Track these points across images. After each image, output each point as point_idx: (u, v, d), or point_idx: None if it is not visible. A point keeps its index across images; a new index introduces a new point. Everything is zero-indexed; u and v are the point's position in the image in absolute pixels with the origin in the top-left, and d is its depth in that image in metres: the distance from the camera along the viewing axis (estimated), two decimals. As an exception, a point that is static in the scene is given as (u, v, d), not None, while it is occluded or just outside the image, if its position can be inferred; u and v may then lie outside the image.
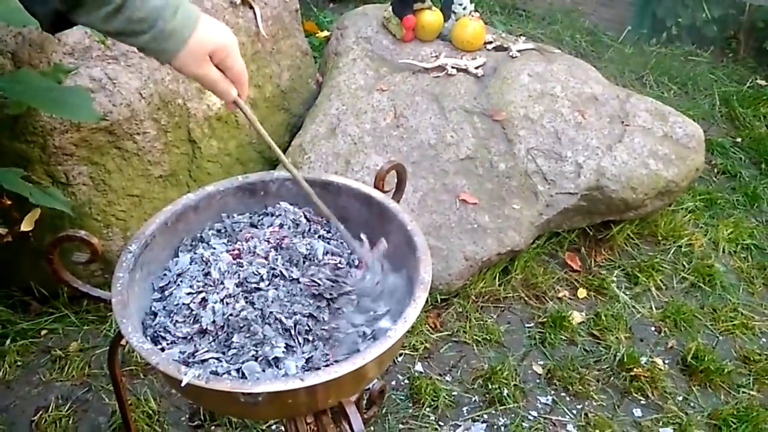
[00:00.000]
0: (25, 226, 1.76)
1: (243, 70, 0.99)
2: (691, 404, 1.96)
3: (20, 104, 1.64)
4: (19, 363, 1.92)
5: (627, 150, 2.31)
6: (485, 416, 1.88)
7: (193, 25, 0.91)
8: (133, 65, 1.87)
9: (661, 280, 2.34)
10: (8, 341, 1.94)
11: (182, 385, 0.96)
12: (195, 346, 1.10)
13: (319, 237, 1.30)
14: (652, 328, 2.19)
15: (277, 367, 1.06)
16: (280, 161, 1.14)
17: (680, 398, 1.98)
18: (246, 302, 1.15)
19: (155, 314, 1.17)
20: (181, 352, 1.09)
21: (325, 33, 3.11)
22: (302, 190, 1.17)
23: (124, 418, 1.43)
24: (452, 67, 2.42)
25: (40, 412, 1.80)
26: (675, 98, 3.33)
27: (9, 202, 1.75)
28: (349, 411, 1.05)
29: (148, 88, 1.90)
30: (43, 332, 2.00)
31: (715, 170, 2.94)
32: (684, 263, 2.41)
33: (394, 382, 1.95)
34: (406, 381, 1.96)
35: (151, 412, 1.79)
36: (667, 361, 2.08)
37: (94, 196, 1.90)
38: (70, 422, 1.78)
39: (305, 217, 1.33)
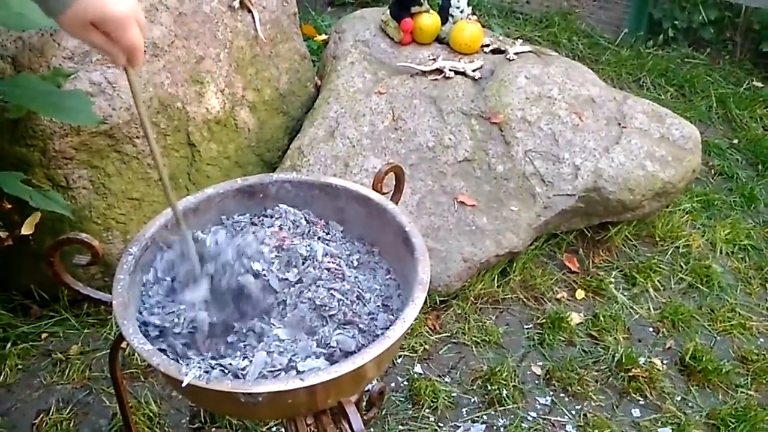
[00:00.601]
0: (26, 230, 1.77)
1: (134, 44, 0.92)
2: (690, 404, 1.97)
3: (20, 108, 1.65)
4: (19, 366, 1.92)
5: (624, 152, 2.32)
6: (484, 417, 1.89)
7: None
8: (133, 69, 1.87)
9: (658, 280, 2.35)
10: (9, 345, 1.95)
11: (183, 385, 0.97)
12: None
13: (319, 239, 1.31)
14: (650, 329, 2.20)
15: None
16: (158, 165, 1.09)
17: (678, 398, 1.98)
18: None
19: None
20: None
21: (323, 36, 3.12)
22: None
23: (125, 420, 1.44)
24: (450, 70, 2.43)
25: (41, 415, 1.81)
26: (672, 100, 3.35)
27: (9, 206, 1.76)
28: (349, 411, 1.05)
29: (148, 92, 1.91)
30: (44, 335, 2.00)
31: (712, 171, 2.95)
32: (681, 264, 2.42)
33: (393, 384, 1.95)
34: (406, 382, 1.96)
35: (151, 414, 1.80)
36: (665, 362, 2.08)
37: (94, 200, 1.91)
38: (71, 425, 1.79)
39: (305, 219, 1.34)
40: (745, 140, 3.12)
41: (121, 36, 0.91)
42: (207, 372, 1.03)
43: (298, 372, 1.04)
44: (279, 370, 1.04)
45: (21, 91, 1.58)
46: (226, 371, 1.05)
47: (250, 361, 1.05)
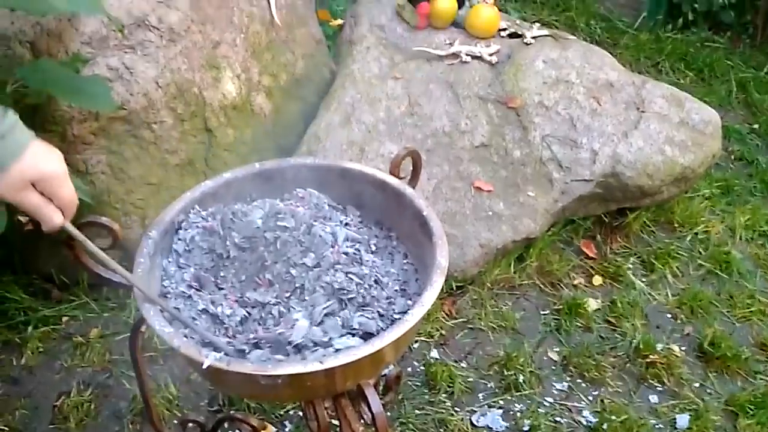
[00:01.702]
0: (46, 215, 1.78)
1: (72, 198, 0.96)
2: (708, 391, 1.96)
3: (40, 94, 1.66)
4: (41, 349, 1.95)
5: (643, 136, 2.29)
6: (501, 402, 1.89)
7: (17, 155, 0.88)
8: (150, 54, 1.88)
9: (677, 267, 2.33)
10: (30, 328, 1.97)
11: (204, 367, 0.98)
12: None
13: (341, 223, 1.31)
14: (669, 315, 2.19)
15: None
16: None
17: (697, 385, 1.97)
18: None
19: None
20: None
21: (339, 21, 3.10)
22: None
23: (146, 402, 1.45)
24: (466, 55, 2.42)
25: (63, 397, 1.83)
26: (691, 84, 3.30)
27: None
28: (368, 392, 1.06)
29: (165, 77, 1.91)
30: (64, 319, 2.03)
31: (732, 157, 2.91)
32: (700, 250, 2.40)
33: (410, 369, 1.96)
34: (422, 367, 1.97)
35: (171, 397, 1.82)
36: (683, 348, 2.07)
37: (113, 185, 1.92)
38: (92, 407, 1.81)
39: (327, 203, 1.34)
40: (766, 125, 3.07)
41: (60, 191, 0.94)
42: (227, 354, 1.04)
43: (336, 350, 1.06)
44: (317, 346, 1.06)
45: (40, 76, 1.59)
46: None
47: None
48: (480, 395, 1.91)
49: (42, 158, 0.92)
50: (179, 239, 1.24)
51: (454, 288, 2.16)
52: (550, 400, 1.91)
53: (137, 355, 1.32)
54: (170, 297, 1.17)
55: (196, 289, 1.18)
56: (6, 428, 1.76)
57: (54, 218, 0.96)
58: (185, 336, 1.08)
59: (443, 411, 1.85)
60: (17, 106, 1.60)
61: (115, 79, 1.82)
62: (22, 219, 1.67)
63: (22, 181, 0.90)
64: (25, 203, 0.93)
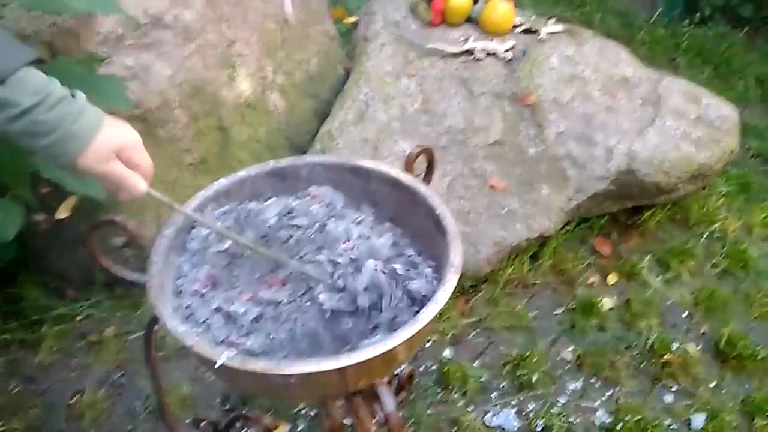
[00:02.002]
0: (62, 214, 1.79)
1: (150, 163, 1.01)
2: (724, 391, 1.94)
3: (56, 93, 1.66)
4: (56, 348, 1.96)
5: (659, 133, 2.27)
6: (514, 402, 1.88)
7: (98, 127, 0.93)
8: (165, 53, 1.89)
9: (693, 265, 2.31)
10: (45, 326, 1.99)
11: (216, 366, 0.98)
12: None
13: (354, 221, 1.31)
14: (684, 314, 2.16)
15: None
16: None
17: (712, 385, 1.95)
18: None
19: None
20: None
21: (353, 19, 3.10)
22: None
23: (159, 400, 1.46)
24: (481, 51, 2.40)
25: (77, 395, 1.85)
26: (708, 80, 3.26)
27: (44, 190, 1.79)
28: (381, 391, 1.05)
29: (180, 76, 1.91)
30: (79, 318, 2.04)
31: (750, 153, 2.88)
32: (717, 248, 2.38)
33: (422, 368, 1.95)
34: (435, 366, 1.96)
35: (184, 395, 1.83)
36: (699, 348, 2.05)
37: (128, 183, 1.93)
38: (106, 405, 1.82)
39: (342, 201, 1.33)
40: (785, 121, 3.04)
41: (142, 157, 0.99)
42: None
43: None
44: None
45: (57, 75, 1.58)
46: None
47: None
48: (493, 395, 1.90)
49: (119, 127, 0.97)
50: (193, 238, 1.24)
51: (467, 286, 2.15)
52: (564, 399, 1.90)
53: (151, 354, 1.33)
54: (184, 295, 1.17)
55: (210, 288, 1.18)
56: (21, 426, 1.77)
57: (139, 184, 0.99)
58: (198, 335, 1.08)
59: (456, 410, 1.84)
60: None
61: (130, 78, 1.82)
62: (39, 218, 1.69)
63: (107, 151, 0.94)
64: (111, 174, 0.96)
